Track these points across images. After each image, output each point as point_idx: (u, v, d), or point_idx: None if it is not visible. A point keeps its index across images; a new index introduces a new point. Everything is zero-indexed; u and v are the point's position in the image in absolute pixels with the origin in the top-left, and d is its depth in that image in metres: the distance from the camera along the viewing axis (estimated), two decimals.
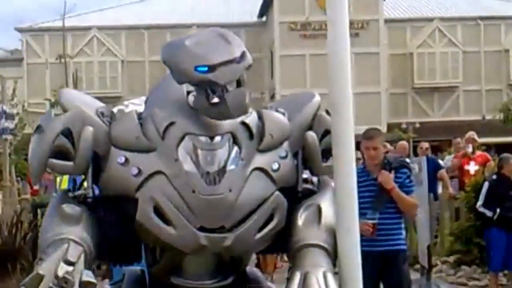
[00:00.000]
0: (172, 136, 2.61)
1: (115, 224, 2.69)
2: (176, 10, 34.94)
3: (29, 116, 21.79)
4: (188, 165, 2.58)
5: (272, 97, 31.55)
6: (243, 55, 2.61)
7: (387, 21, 34.50)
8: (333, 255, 2.73)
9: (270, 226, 2.67)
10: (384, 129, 33.00)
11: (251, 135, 2.70)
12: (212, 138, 2.63)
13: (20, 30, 35.10)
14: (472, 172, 10.64)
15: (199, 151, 2.60)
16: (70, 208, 2.66)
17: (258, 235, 2.65)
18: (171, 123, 2.63)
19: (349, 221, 2.75)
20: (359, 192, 5.29)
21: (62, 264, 2.44)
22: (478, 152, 11.21)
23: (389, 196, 5.23)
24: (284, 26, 32.71)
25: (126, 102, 3.14)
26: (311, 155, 2.84)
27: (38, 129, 2.73)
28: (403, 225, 5.51)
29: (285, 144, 2.80)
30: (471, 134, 11.21)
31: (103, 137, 2.67)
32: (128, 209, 2.62)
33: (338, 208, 2.75)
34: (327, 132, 2.86)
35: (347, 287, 2.71)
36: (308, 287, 2.52)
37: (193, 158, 2.60)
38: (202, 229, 2.57)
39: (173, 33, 34.36)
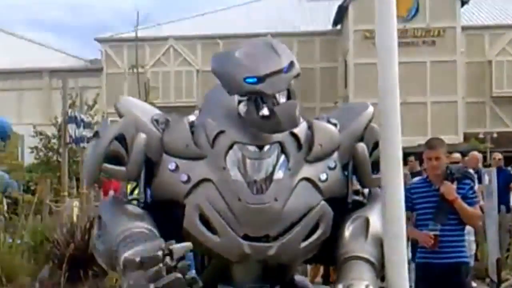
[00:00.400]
0: (221, 145, 2.68)
1: (163, 230, 2.77)
2: (251, 19, 35.21)
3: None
4: (235, 174, 2.64)
5: None
6: (291, 64, 2.65)
7: (464, 28, 33.81)
8: (379, 269, 2.73)
9: (315, 236, 2.70)
10: (460, 139, 32.39)
11: (299, 145, 2.74)
12: (260, 147, 2.68)
13: (99, 41, 36.02)
14: None
15: (247, 160, 2.66)
16: (133, 208, 2.76)
17: (303, 245, 2.68)
18: (221, 132, 2.69)
19: (396, 232, 2.75)
20: (421, 203, 5.30)
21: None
22: None
23: (452, 207, 5.15)
24: (359, 34, 32.50)
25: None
26: (360, 166, 2.85)
27: (95, 135, 2.84)
28: (465, 237, 5.41)
29: (335, 154, 2.82)
30: None
31: (156, 144, 2.76)
32: (176, 215, 2.69)
33: (385, 219, 2.75)
34: (377, 144, 2.86)
35: None
36: None
37: (241, 167, 2.65)
38: (246, 237, 2.61)
39: None
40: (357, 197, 2.92)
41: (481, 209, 9.97)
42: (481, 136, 32.21)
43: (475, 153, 11.35)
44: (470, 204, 5.20)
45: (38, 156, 21.82)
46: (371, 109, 2.95)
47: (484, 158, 13.45)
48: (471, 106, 34.53)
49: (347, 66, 33.45)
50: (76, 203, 12.61)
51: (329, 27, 34.76)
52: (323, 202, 2.73)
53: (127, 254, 2.43)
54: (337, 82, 35.26)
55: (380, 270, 2.75)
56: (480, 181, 9.82)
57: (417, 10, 32.43)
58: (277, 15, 35.56)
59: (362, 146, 2.86)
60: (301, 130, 2.77)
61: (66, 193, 13.10)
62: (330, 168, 2.80)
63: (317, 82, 35.29)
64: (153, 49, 34.63)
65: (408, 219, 5.42)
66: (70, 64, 35.68)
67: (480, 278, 9.76)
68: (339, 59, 35.25)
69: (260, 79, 2.58)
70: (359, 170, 2.87)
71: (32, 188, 14.84)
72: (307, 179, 2.73)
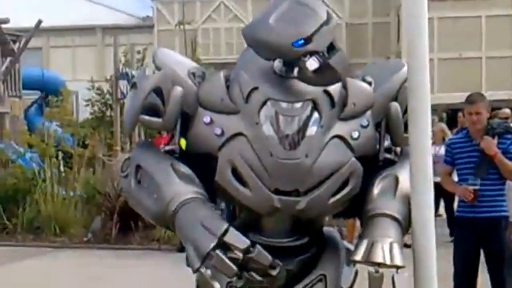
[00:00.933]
0: (255, 100, 2.73)
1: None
2: None
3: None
4: (268, 129, 2.70)
5: None
6: (328, 16, 2.68)
7: None
8: (405, 226, 2.77)
9: (344, 192, 2.75)
10: None
11: (332, 103, 2.77)
12: (293, 104, 2.74)
13: None
14: None
15: (280, 116, 2.71)
16: (182, 167, 2.80)
17: (332, 200, 2.74)
18: (255, 88, 2.74)
19: (423, 189, 2.75)
20: (461, 158, 5.31)
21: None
22: None
23: (492, 163, 5.14)
24: None
25: None
26: (393, 125, 2.88)
27: (133, 86, 2.93)
28: (506, 192, 5.40)
29: (368, 113, 2.84)
30: None
31: (191, 97, 2.82)
32: (210, 167, 2.78)
33: (412, 177, 2.77)
34: None
35: (420, 256, 2.74)
36: (372, 256, 2.59)
37: (273, 123, 2.70)
38: (277, 191, 2.69)
39: None
40: (388, 155, 2.95)
41: None
42: None
43: (506, 109, 11.18)
44: (510, 159, 5.17)
45: (93, 111, 22.21)
46: (405, 68, 2.92)
47: None
48: None
49: (399, 21, 32.95)
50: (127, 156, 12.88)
51: None
52: (353, 159, 2.76)
53: (209, 247, 2.50)
54: (389, 37, 34.79)
55: (406, 228, 2.79)
56: None
57: None
58: None
59: (395, 106, 2.88)
60: (335, 88, 2.79)
61: (118, 148, 13.38)
62: (362, 126, 2.82)
63: (369, 37, 34.92)
64: (204, 5, 34.67)
65: (449, 174, 5.50)
66: (122, 21, 36.02)
67: None
68: (392, 14, 34.72)
69: (307, 40, 2.61)
70: (391, 129, 2.90)
71: (86, 143, 15.17)
72: (339, 137, 2.76)
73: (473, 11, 31.32)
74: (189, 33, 25.90)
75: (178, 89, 2.81)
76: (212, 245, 2.49)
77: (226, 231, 2.52)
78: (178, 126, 2.86)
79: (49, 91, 21.67)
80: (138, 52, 20.47)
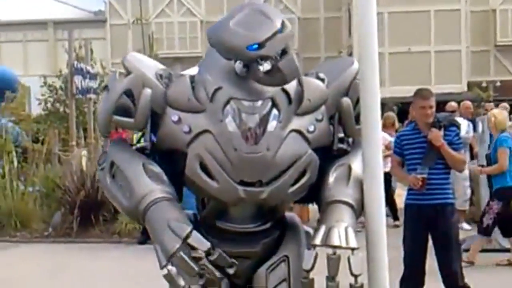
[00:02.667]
0: (219, 99, 2.98)
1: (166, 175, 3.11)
2: None
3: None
4: (231, 126, 2.95)
5: (350, 55, 31.49)
6: (283, 25, 2.94)
7: None
8: (359, 210, 3.06)
9: (302, 181, 3.02)
10: (464, 87, 32.54)
11: (290, 100, 3.05)
12: (254, 102, 3.00)
13: None
14: None
15: (242, 114, 2.96)
16: (152, 165, 3.07)
17: (292, 189, 3.01)
18: (219, 88, 3.00)
19: (374, 174, 3.03)
20: (410, 149, 5.64)
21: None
22: None
23: (439, 153, 5.48)
24: None
25: (185, 72, 3.51)
26: (345, 119, 3.17)
27: (105, 88, 3.17)
28: (451, 180, 5.76)
29: (322, 108, 3.13)
30: None
31: (160, 98, 3.06)
32: (177, 162, 3.03)
33: (363, 164, 3.05)
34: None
35: (372, 237, 3.02)
36: (330, 240, 2.85)
37: (237, 120, 2.96)
38: (242, 183, 2.96)
39: None
40: (342, 145, 3.23)
41: (474, 156, 10.35)
42: (484, 85, 32.37)
43: (468, 102, 11.63)
44: (455, 149, 5.53)
45: (46, 107, 22.07)
46: (356, 65, 3.19)
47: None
48: (475, 55, 34.56)
49: (350, 16, 33.45)
50: (84, 152, 12.97)
51: None
52: (310, 151, 3.04)
53: (172, 247, 2.75)
54: (341, 32, 35.29)
55: (360, 211, 3.09)
56: (475, 129, 10.14)
57: None
58: None
59: (347, 101, 3.17)
60: (291, 86, 3.06)
61: (74, 143, 13.43)
62: (317, 120, 3.11)
63: (322, 32, 35.33)
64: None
65: (398, 164, 5.83)
66: (75, 16, 35.75)
67: (475, 222, 10.16)
68: (343, 8, 35.22)
69: (261, 45, 2.87)
70: (344, 122, 3.19)
71: (41, 138, 15.17)
72: (297, 131, 3.03)
73: (422, 6, 31.97)
74: (143, 27, 25.87)
75: (148, 91, 3.05)
76: (177, 246, 2.76)
77: (190, 233, 2.78)
78: (148, 125, 3.10)
79: (2, 87, 21.49)
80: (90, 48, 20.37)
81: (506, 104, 11.84)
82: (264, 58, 2.89)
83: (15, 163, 12.27)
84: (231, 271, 2.92)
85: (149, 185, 2.97)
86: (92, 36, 26.80)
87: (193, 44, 34.80)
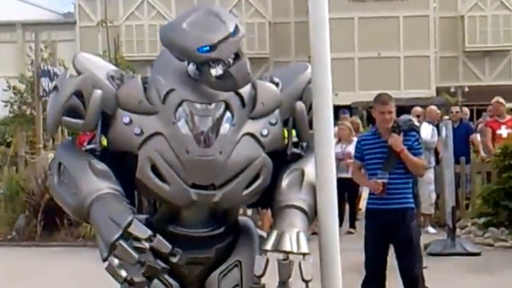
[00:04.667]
0: (171, 102, 2.96)
1: (118, 177, 3.08)
2: None
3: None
4: (184, 128, 2.93)
5: None
6: (236, 28, 2.93)
7: None
8: (311, 215, 3.06)
9: (255, 185, 3.01)
10: (433, 93, 32.88)
11: (243, 103, 3.04)
12: (207, 105, 2.99)
13: None
14: (504, 135, 10.72)
15: (195, 116, 2.95)
16: (99, 164, 3.03)
17: (244, 192, 3.00)
18: (171, 90, 2.97)
19: (326, 181, 3.05)
20: (370, 153, 5.67)
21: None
22: (508, 116, 11.24)
23: (399, 158, 5.52)
24: None
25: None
26: (299, 123, 3.17)
27: (55, 88, 3.11)
28: (411, 185, 5.80)
29: (276, 112, 3.13)
30: (497, 98, 11.30)
31: (111, 99, 3.02)
32: (129, 164, 3.01)
33: (316, 167, 3.07)
34: None
35: (325, 242, 3.02)
36: (281, 245, 2.86)
37: (189, 122, 2.94)
38: (194, 186, 2.95)
39: None
40: (296, 150, 3.23)
41: (439, 160, 10.45)
42: (452, 90, 32.73)
43: (433, 107, 11.74)
44: (415, 154, 5.57)
45: (12, 110, 21.87)
46: (309, 69, 3.21)
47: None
48: (443, 61, 34.96)
49: None
50: (51, 155, 12.83)
51: None
52: (264, 155, 3.03)
53: (113, 238, 2.73)
54: None
55: (313, 216, 3.09)
56: (439, 133, 10.23)
57: None
58: None
59: (300, 105, 3.17)
60: (245, 89, 3.05)
61: (41, 145, 13.31)
62: (271, 124, 3.10)
63: (292, 36, 35.42)
64: (127, 2, 34.49)
65: (359, 168, 5.86)
66: (44, 17, 35.45)
67: (441, 226, 10.26)
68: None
69: (212, 47, 2.85)
70: (297, 126, 3.19)
71: (8, 140, 15.01)
72: (250, 134, 3.02)
73: (392, 11, 32.25)
74: (112, 30, 25.81)
75: (98, 92, 3.00)
76: (117, 235, 2.73)
77: (130, 222, 2.76)
78: (99, 127, 3.06)
79: None
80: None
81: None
82: (215, 61, 2.88)
83: None
84: (174, 259, 2.86)
85: (94, 182, 2.94)
86: (61, 38, 26.61)
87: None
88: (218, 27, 2.89)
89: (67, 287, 7.70)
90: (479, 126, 11.50)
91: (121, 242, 2.73)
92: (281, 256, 2.88)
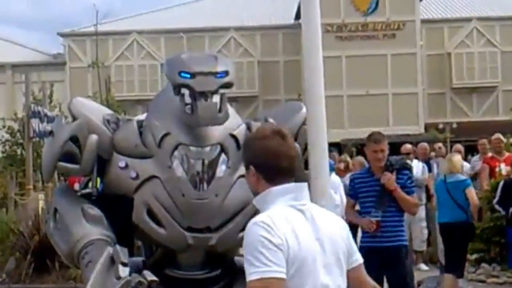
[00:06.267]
0: (167, 145, 3.00)
1: (114, 219, 3.10)
2: (214, 13, 35.42)
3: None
4: (179, 172, 2.97)
5: None
6: (226, 73, 2.97)
7: (423, 21, 34.46)
8: None
9: None
10: (421, 129, 33.02)
11: (238, 145, 3.07)
12: (202, 148, 3.01)
13: (62, 35, 35.93)
14: (504, 173, 10.58)
15: (190, 160, 2.99)
16: (92, 210, 3.06)
17: (241, 234, 2.97)
18: (167, 134, 3.01)
19: None
20: (363, 192, 5.67)
21: (120, 267, 2.81)
22: (507, 154, 11.19)
23: (392, 196, 5.54)
24: (321, 28, 32.88)
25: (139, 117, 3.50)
26: None
27: (50, 133, 3.14)
28: (404, 223, 5.81)
29: None
30: (497, 135, 11.27)
31: (107, 144, 3.06)
32: (126, 207, 3.02)
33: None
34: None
35: None
36: None
37: (185, 166, 2.98)
38: (190, 229, 2.96)
39: (211, 37, 34.93)
40: None
41: (430, 197, 10.46)
42: (440, 126, 32.89)
43: (424, 144, 11.80)
44: (408, 193, 5.61)
45: (3, 150, 21.81)
46: (304, 110, 3.25)
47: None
48: (431, 98, 35.18)
49: None
50: (41, 196, 12.77)
51: (292, 21, 35.13)
52: None
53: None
54: (300, 75, 35.62)
55: None
56: (430, 170, 10.28)
57: (377, 4, 32.97)
58: (239, 9, 35.79)
59: (296, 146, 3.20)
60: (240, 131, 3.10)
61: (31, 187, 13.23)
62: None
63: (281, 75, 35.62)
64: (117, 43, 34.67)
65: (352, 207, 5.87)
66: (33, 59, 35.53)
67: (433, 262, 10.24)
68: (302, 52, 35.60)
69: (192, 75, 2.91)
70: None
71: None
72: (245, 176, 3.07)
73: (379, 49, 32.54)
74: (102, 70, 25.89)
75: (94, 137, 3.04)
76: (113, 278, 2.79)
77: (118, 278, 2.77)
78: (94, 171, 3.09)
79: None
80: (51, 90, 20.27)
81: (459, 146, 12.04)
82: (189, 89, 2.91)
83: None
84: None
85: (85, 228, 2.97)
86: (51, 79, 26.62)
87: (153, 87, 34.70)
88: (208, 63, 2.95)
89: None
90: (474, 163, 11.45)
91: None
92: None
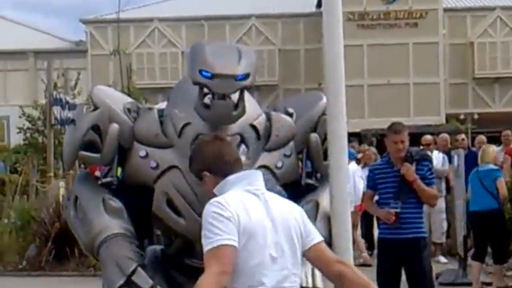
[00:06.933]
0: (187, 135, 2.99)
1: (134, 209, 3.10)
2: (235, 1, 35.33)
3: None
4: None
5: None
6: (246, 75, 2.94)
7: (446, 10, 34.13)
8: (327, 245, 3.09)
9: None
10: (442, 120, 32.78)
11: (258, 136, 3.06)
12: None
13: (84, 22, 36.03)
14: None
15: None
16: (113, 201, 3.06)
17: None
18: (187, 123, 3.00)
19: (340, 210, 3.08)
20: (383, 183, 5.65)
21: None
22: None
23: (411, 187, 5.50)
24: (343, 16, 32.70)
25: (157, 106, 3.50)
26: (313, 154, 3.19)
27: (72, 122, 3.15)
28: (423, 214, 5.77)
29: (291, 143, 3.15)
30: None
31: (127, 133, 3.06)
32: (146, 196, 3.02)
33: (331, 199, 3.09)
34: None
35: None
36: None
37: None
38: None
39: (232, 25, 34.88)
40: (310, 181, 3.24)
41: (450, 188, 10.39)
42: (462, 117, 32.64)
43: (445, 135, 11.69)
44: (428, 184, 5.56)
45: (25, 137, 21.99)
46: (324, 100, 3.23)
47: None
48: (453, 88, 34.87)
49: None
50: (62, 183, 12.87)
51: (313, 9, 34.95)
52: (278, 188, 3.04)
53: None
54: (321, 63, 35.47)
55: (328, 243, 3.11)
56: (450, 162, 10.19)
57: None
58: None
59: (315, 137, 3.19)
60: (260, 122, 3.08)
61: (52, 174, 13.34)
62: (286, 156, 3.13)
63: (302, 63, 35.51)
64: (138, 30, 34.68)
65: (371, 198, 5.85)
66: (55, 46, 35.69)
67: (452, 255, 10.18)
68: (323, 40, 35.43)
69: (213, 76, 2.89)
70: (312, 157, 3.21)
71: (19, 169, 15.05)
72: (265, 167, 3.06)
73: (401, 38, 32.30)
74: (123, 58, 25.93)
75: (115, 126, 3.04)
76: (120, 282, 2.80)
77: (134, 270, 2.77)
78: (115, 161, 3.09)
79: None
80: (73, 77, 20.38)
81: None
82: (208, 89, 2.90)
83: None
84: None
85: (106, 221, 2.97)
86: (73, 66, 26.76)
87: (174, 75, 34.74)
88: (231, 64, 2.92)
89: None
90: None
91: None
92: None
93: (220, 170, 2.64)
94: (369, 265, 9.96)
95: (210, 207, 2.52)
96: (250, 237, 2.48)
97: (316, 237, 2.67)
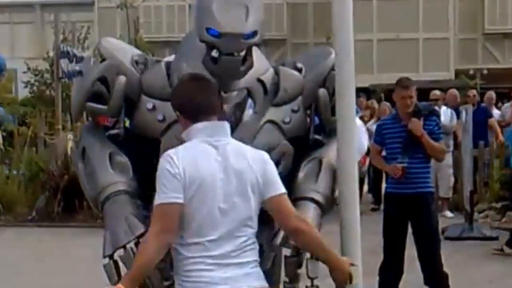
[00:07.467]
0: None
1: (140, 161, 3.12)
2: None
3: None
4: None
5: None
6: (254, 33, 2.91)
7: None
8: (325, 203, 3.11)
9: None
10: (452, 75, 32.58)
11: (266, 91, 3.05)
12: (229, 93, 3.00)
13: None
14: None
15: None
16: (120, 156, 3.07)
17: None
18: None
19: (348, 169, 3.07)
20: (390, 138, 5.67)
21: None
22: None
23: (419, 142, 5.50)
24: None
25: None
26: (322, 109, 3.18)
27: (79, 73, 3.16)
28: (431, 169, 5.79)
29: (299, 98, 3.14)
30: None
31: (135, 85, 3.06)
32: (153, 150, 3.03)
33: (338, 157, 3.08)
34: None
35: (346, 225, 3.07)
36: (290, 240, 2.91)
37: None
38: None
39: None
40: (318, 137, 3.24)
41: (458, 144, 10.41)
42: (471, 73, 32.43)
43: (454, 90, 11.65)
44: (435, 139, 5.55)
45: (32, 90, 21.97)
46: (333, 55, 3.20)
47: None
48: (463, 43, 34.55)
49: None
50: (70, 136, 12.91)
51: None
52: (284, 142, 3.06)
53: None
54: (330, 17, 35.03)
55: (331, 203, 3.15)
56: (458, 117, 10.19)
57: None
58: None
59: (323, 91, 3.17)
60: (267, 76, 3.06)
61: (60, 127, 13.38)
62: (293, 111, 3.11)
63: (310, 17, 35.19)
64: None
65: (378, 153, 5.86)
66: None
67: (459, 210, 10.25)
68: None
69: (220, 35, 2.86)
70: (320, 112, 3.20)
71: (27, 121, 15.10)
72: (272, 122, 3.06)
73: None
74: (130, 11, 25.75)
75: (122, 78, 3.03)
76: (130, 239, 2.81)
77: (142, 234, 2.80)
78: (122, 112, 3.10)
79: None
80: (82, 30, 20.26)
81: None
82: (216, 47, 2.88)
83: (0, 146, 12.24)
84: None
85: (111, 176, 2.99)
86: (80, 19, 26.59)
87: (181, 28, 34.47)
88: (239, 21, 2.88)
89: (95, 270, 7.74)
90: (505, 111, 11.34)
91: (132, 246, 2.81)
92: (288, 252, 2.96)
93: (189, 113, 2.71)
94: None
95: (162, 163, 2.63)
96: (197, 190, 2.57)
97: (277, 188, 2.70)
